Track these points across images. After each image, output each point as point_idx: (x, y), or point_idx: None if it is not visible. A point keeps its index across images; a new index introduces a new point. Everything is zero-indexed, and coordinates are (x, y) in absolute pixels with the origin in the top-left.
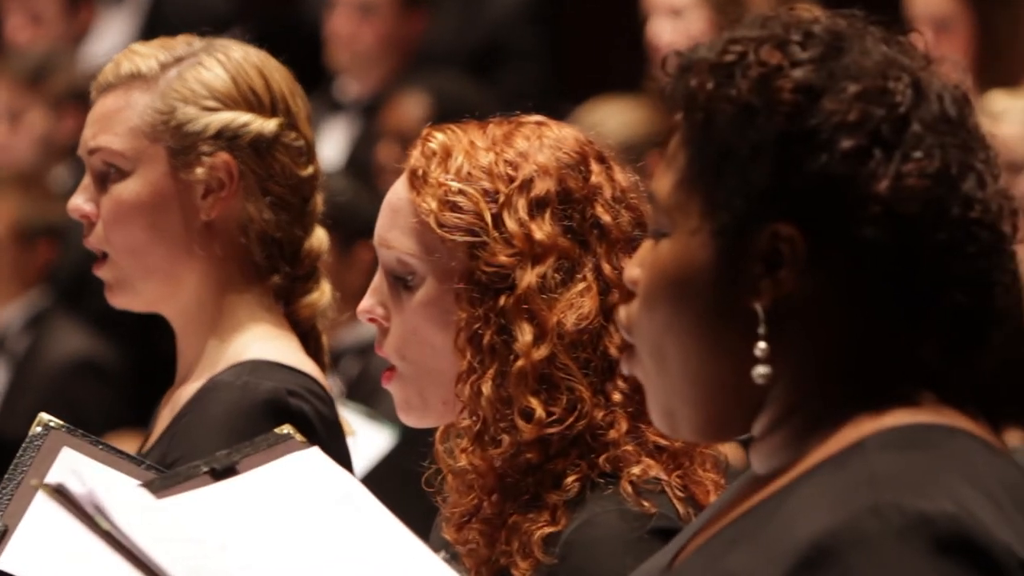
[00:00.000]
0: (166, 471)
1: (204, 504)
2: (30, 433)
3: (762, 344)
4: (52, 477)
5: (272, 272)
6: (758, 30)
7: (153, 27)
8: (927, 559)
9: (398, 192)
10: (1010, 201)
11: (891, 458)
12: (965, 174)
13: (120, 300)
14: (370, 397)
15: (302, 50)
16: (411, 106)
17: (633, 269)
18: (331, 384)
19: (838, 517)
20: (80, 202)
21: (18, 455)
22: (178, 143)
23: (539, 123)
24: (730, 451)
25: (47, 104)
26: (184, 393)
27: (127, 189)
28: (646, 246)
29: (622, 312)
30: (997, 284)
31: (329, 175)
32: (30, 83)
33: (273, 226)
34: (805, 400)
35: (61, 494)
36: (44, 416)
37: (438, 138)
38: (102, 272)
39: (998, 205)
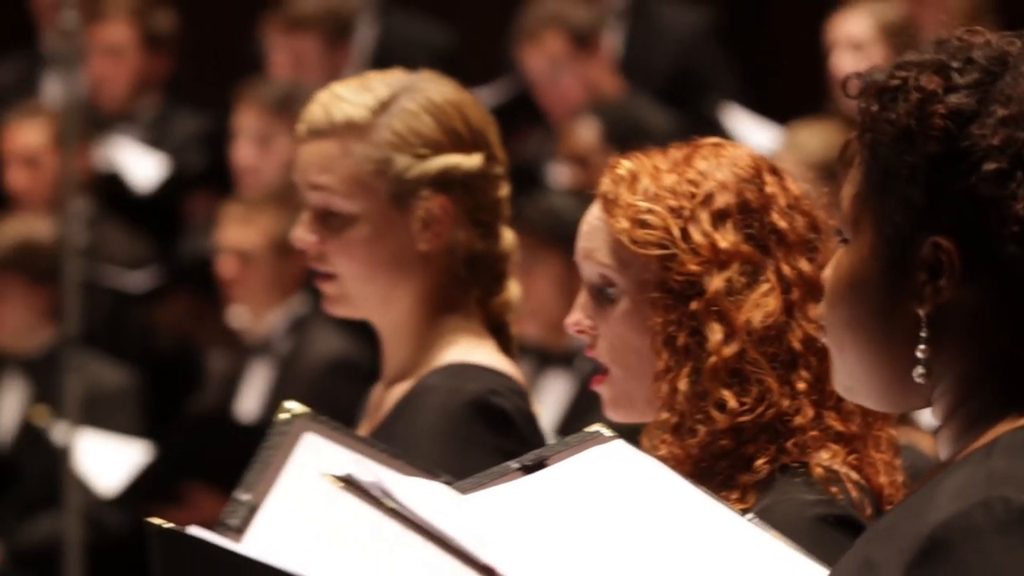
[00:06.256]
0: (399, 451)
1: (515, 495)
2: (275, 419)
3: (922, 347)
4: (304, 461)
5: (474, 285)
6: (925, 55)
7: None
8: None
9: (594, 214)
10: None
11: (1012, 456)
12: None
13: (338, 311)
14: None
15: None
16: (585, 131)
17: (827, 270)
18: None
19: (953, 510)
20: (303, 234)
21: (265, 439)
22: (397, 189)
23: (715, 144)
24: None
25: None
26: (394, 394)
27: (354, 234)
28: (838, 250)
29: (818, 309)
30: None
31: None
32: (277, 110)
33: (479, 246)
34: (965, 400)
35: (349, 483)
36: (289, 403)
37: (625, 165)
38: (327, 288)
39: None
